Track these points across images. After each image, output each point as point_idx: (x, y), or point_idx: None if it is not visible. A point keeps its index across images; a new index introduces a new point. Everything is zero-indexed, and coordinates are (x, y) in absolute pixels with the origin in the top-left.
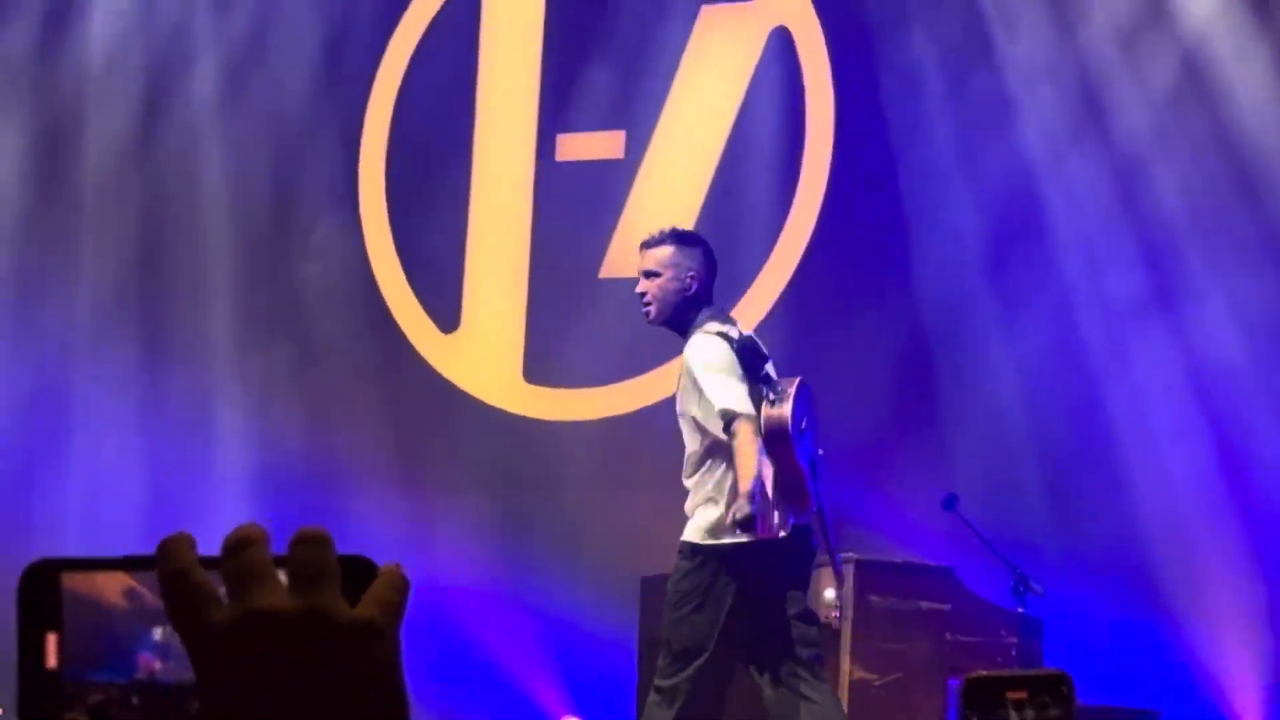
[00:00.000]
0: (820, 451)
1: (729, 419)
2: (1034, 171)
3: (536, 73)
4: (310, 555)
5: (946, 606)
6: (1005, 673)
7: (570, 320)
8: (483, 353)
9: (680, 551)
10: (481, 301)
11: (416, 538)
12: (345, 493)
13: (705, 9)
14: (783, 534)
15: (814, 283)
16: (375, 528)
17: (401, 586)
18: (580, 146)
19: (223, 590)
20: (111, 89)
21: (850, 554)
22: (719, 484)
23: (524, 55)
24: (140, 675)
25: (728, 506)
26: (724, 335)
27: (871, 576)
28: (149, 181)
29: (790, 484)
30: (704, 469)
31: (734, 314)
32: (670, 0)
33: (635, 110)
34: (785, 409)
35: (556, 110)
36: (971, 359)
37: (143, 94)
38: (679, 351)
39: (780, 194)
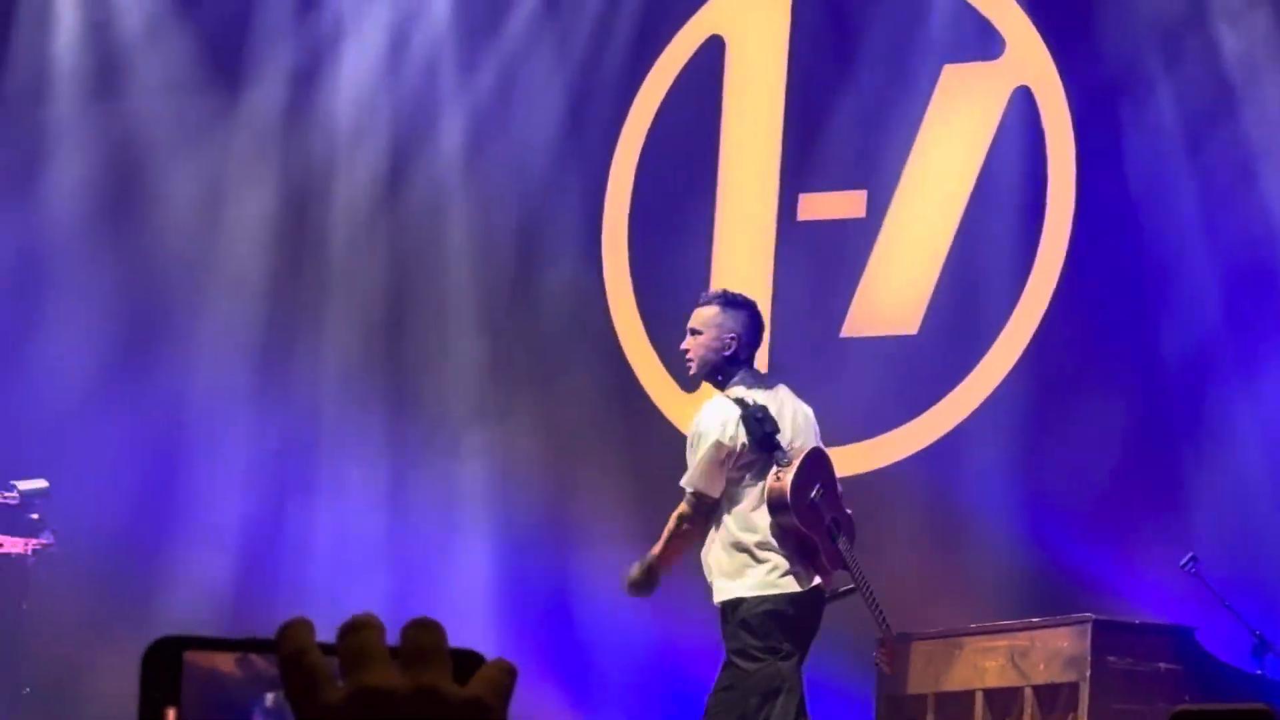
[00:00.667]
0: (848, 511)
1: (693, 496)
2: (1278, 232)
3: (779, 131)
4: (422, 638)
5: (1184, 668)
6: (1211, 706)
7: (813, 379)
8: None
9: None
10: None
11: (659, 598)
12: (585, 550)
13: (948, 68)
14: (783, 592)
15: (1055, 341)
16: (615, 587)
17: (510, 671)
18: (822, 206)
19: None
20: (358, 148)
21: (1088, 614)
22: (723, 543)
23: (766, 114)
24: None
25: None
26: (740, 401)
27: (1109, 637)
28: (395, 239)
29: (802, 547)
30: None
31: (977, 371)
32: (912, 59)
33: (877, 169)
34: (786, 480)
35: (798, 169)
36: (1213, 418)
37: (388, 152)
38: (923, 409)
39: (1022, 253)
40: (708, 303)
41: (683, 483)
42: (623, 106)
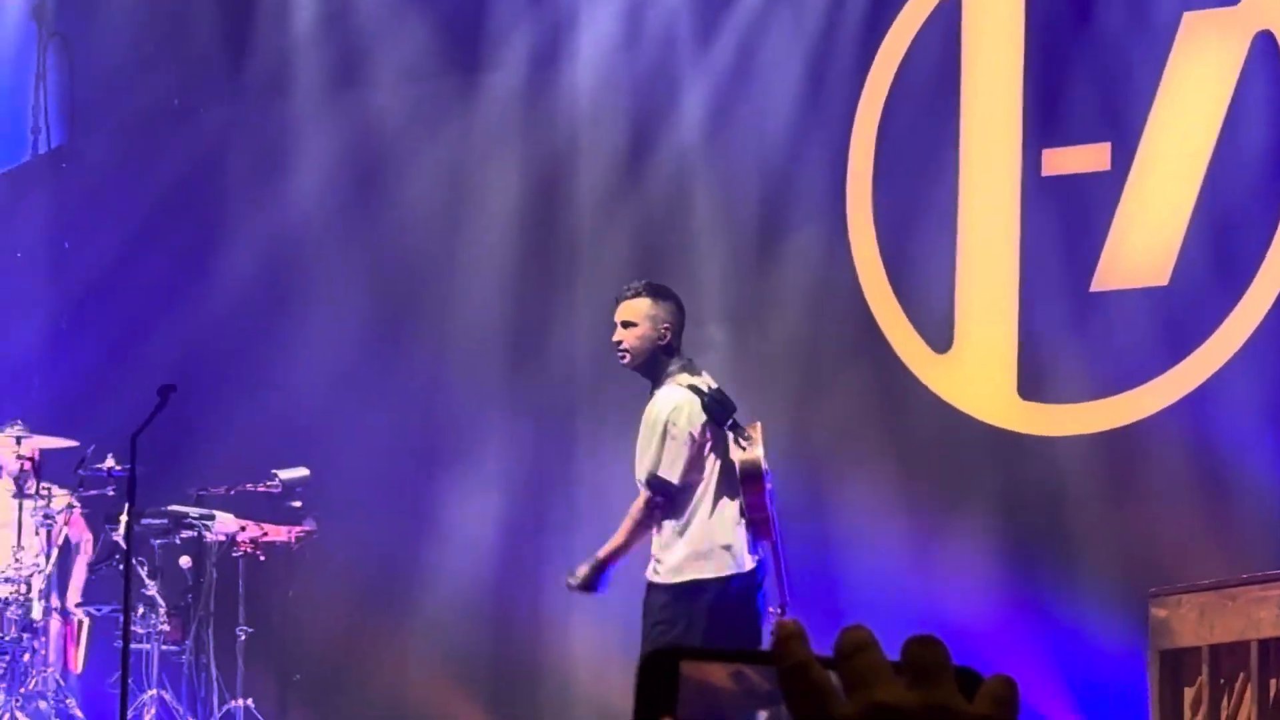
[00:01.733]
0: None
1: (650, 481)
2: None
3: (1019, 87)
4: (929, 654)
5: None
6: None
7: (1063, 335)
8: (977, 371)
9: (648, 589)
10: (973, 319)
11: (917, 558)
12: (842, 516)
13: (1188, 15)
14: (750, 565)
15: None
16: (874, 550)
17: (1014, 685)
18: (1066, 160)
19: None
20: (599, 126)
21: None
22: (680, 525)
23: (1006, 70)
24: None
25: (686, 544)
26: (694, 389)
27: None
28: (639, 216)
29: (758, 519)
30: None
31: (1232, 318)
32: (1151, 7)
33: (1120, 121)
34: (757, 452)
35: (1040, 124)
36: None
37: (629, 129)
38: (1174, 362)
39: (1269, 198)
40: (636, 294)
41: (643, 474)
42: (862, 69)
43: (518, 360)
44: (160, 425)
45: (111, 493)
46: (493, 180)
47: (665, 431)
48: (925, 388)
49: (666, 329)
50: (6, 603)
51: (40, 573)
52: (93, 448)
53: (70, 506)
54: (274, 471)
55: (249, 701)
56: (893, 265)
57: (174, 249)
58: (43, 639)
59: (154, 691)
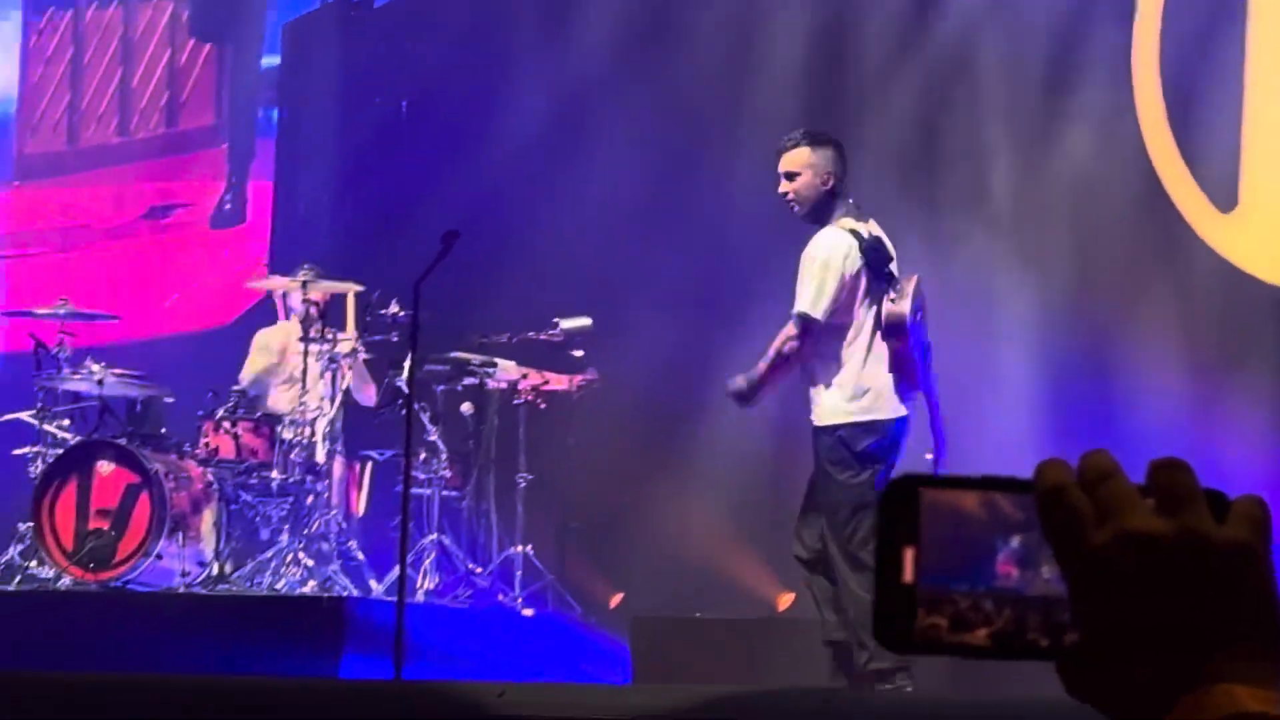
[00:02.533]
0: (928, 341)
1: (800, 318)
2: None
3: None
4: (1178, 479)
5: None
6: None
7: None
8: (1261, 230)
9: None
10: (1259, 178)
11: (1196, 418)
12: (1123, 376)
13: None
14: (902, 412)
15: None
16: (1153, 409)
17: (1265, 506)
18: None
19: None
20: None
21: None
22: (833, 368)
23: None
24: (999, 583)
25: (838, 388)
26: (854, 233)
27: None
28: (923, 74)
29: (906, 370)
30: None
31: None
32: None
33: None
34: (904, 305)
35: None
36: None
37: None
38: None
39: None
40: (795, 144)
41: (796, 308)
42: None
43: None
44: (444, 272)
45: (395, 338)
46: (776, 37)
47: (818, 269)
48: (1208, 248)
49: (829, 175)
50: (291, 445)
51: (324, 416)
52: (378, 293)
53: (354, 351)
54: (556, 320)
55: (528, 548)
56: (1178, 123)
57: (461, 95)
58: (326, 482)
59: (434, 536)
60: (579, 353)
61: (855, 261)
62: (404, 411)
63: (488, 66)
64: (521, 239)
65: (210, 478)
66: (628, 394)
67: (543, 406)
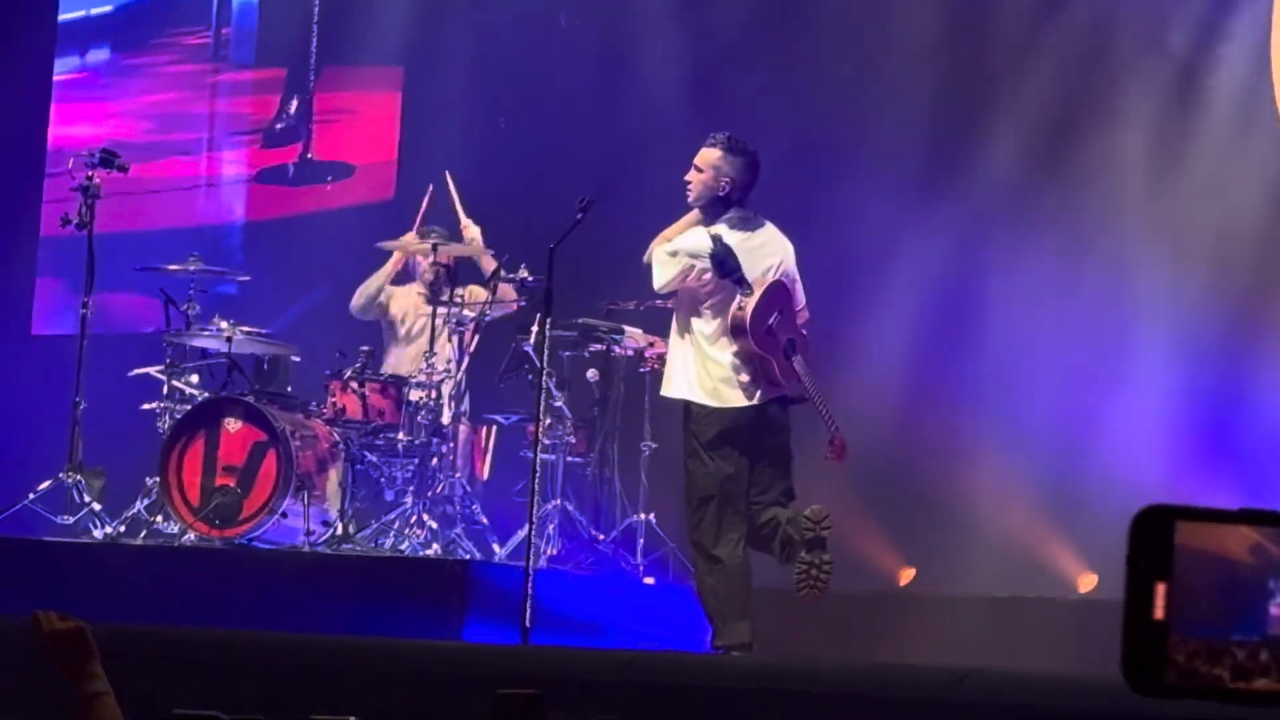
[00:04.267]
0: (804, 333)
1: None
2: None
3: None
4: None
5: None
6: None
7: None
8: None
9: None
10: None
11: None
12: (1257, 357)
13: None
14: (747, 402)
15: None
16: None
17: None
18: None
19: None
20: None
21: None
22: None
23: None
24: (1273, 632)
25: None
26: (715, 237)
27: None
28: (1062, 45)
29: (760, 368)
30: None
31: None
32: None
33: None
34: (748, 309)
35: None
36: None
37: None
38: None
39: None
40: (714, 145)
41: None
42: None
43: (930, 194)
44: (575, 237)
45: (523, 303)
46: (911, 12)
47: (668, 256)
48: None
49: (728, 182)
50: (417, 407)
51: (450, 378)
52: (506, 257)
53: (483, 315)
54: None
55: (651, 516)
56: None
57: (595, 61)
58: (451, 444)
59: (558, 502)
60: None
61: (705, 262)
62: (531, 377)
63: (623, 33)
64: (650, 205)
65: (336, 437)
66: None
67: None
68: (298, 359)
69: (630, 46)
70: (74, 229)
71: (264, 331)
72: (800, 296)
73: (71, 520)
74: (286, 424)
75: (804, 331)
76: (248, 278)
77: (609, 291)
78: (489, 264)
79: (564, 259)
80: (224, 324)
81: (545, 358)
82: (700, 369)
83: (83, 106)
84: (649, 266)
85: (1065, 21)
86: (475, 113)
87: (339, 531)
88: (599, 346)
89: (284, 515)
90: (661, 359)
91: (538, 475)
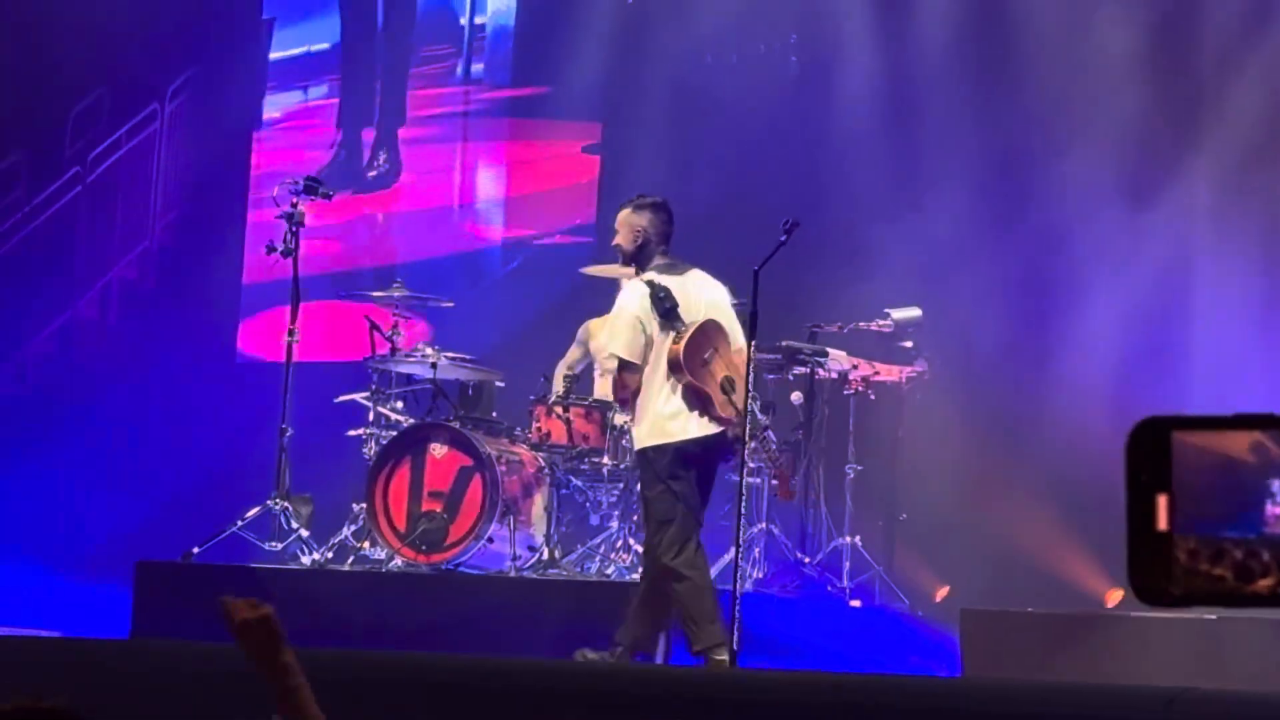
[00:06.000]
0: (742, 371)
1: (620, 361)
2: None
3: None
4: None
5: None
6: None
7: None
8: None
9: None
10: None
11: None
12: None
13: None
14: (698, 434)
15: None
16: None
17: None
18: None
19: None
20: None
21: None
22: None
23: None
24: (1270, 529)
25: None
26: (650, 282)
27: None
28: (1270, 60)
29: (698, 400)
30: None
31: None
32: None
33: None
34: (681, 345)
35: None
36: None
37: None
38: None
39: None
40: (622, 207)
41: (609, 351)
42: None
43: (1134, 211)
44: (779, 260)
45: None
46: (1112, 28)
47: (620, 316)
48: None
49: (640, 232)
50: (622, 431)
51: None
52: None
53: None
54: (887, 310)
55: (856, 539)
56: None
57: (797, 82)
58: None
59: (763, 525)
60: (909, 344)
61: (647, 308)
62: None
63: (824, 56)
64: (852, 228)
65: (541, 462)
66: (957, 386)
67: (872, 397)
68: (502, 384)
69: (831, 69)
70: (279, 256)
71: (469, 357)
72: (738, 335)
73: (279, 546)
74: (492, 449)
75: (741, 370)
76: (451, 304)
77: (812, 314)
78: None
79: (767, 281)
80: (429, 350)
81: (750, 380)
82: (652, 412)
83: (310, 134)
84: (605, 358)
85: (1271, 36)
86: (676, 137)
87: (545, 556)
88: (803, 369)
89: (490, 540)
90: (866, 382)
91: (744, 499)
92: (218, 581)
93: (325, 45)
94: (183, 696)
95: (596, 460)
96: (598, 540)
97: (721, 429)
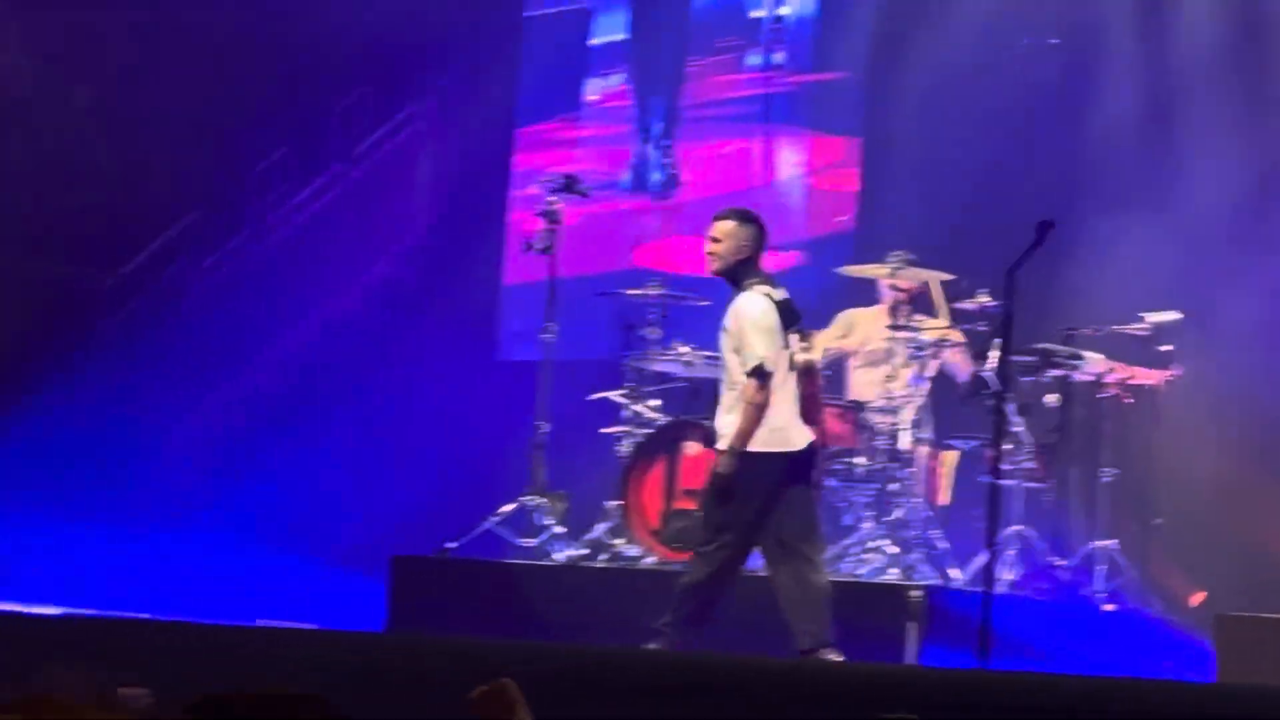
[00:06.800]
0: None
1: (754, 370)
2: None
3: None
4: None
5: None
6: None
7: None
8: None
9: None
10: None
11: None
12: None
13: None
14: (802, 445)
15: None
16: None
17: None
18: None
19: None
20: None
21: None
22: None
23: None
24: None
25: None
26: (767, 295)
27: None
28: None
29: (810, 411)
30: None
31: None
32: None
33: None
34: (816, 354)
35: None
36: None
37: None
38: None
39: None
40: (724, 218)
41: (748, 368)
42: None
43: None
44: (1033, 261)
45: (983, 327)
46: None
47: (752, 328)
48: None
49: (745, 246)
50: (876, 432)
51: (910, 403)
52: (965, 282)
53: (942, 341)
54: (1142, 314)
55: (1110, 543)
56: None
57: (1055, 88)
58: (910, 470)
59: (1017, 528)
60: (1167, 347)
61: (774, 318)
62: (989, 402)
63: (1083, 57)
64: (1109, 231)
65: None
66: (1215, 391)
67: (1128, 401)
68: None
69: (1091, 70)
70: (536, 253)
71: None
72: None
73: (534, 543)
74: None
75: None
76: (708, 302)
77: (1068, 317)
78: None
79: (1022, 283)
80: (684, 348)
81: (1005, 383)
82: (771, 419)
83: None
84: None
85: None
86: (930, 137)
87: None
88: (1058, 372)
89: None
90: (1122, 385)
91: (997, 501)
92: (472, 576)
93: (613, 38)
94: (436, 691)
95: (849, 460)
96: (850, 540)
97: (816, 441)
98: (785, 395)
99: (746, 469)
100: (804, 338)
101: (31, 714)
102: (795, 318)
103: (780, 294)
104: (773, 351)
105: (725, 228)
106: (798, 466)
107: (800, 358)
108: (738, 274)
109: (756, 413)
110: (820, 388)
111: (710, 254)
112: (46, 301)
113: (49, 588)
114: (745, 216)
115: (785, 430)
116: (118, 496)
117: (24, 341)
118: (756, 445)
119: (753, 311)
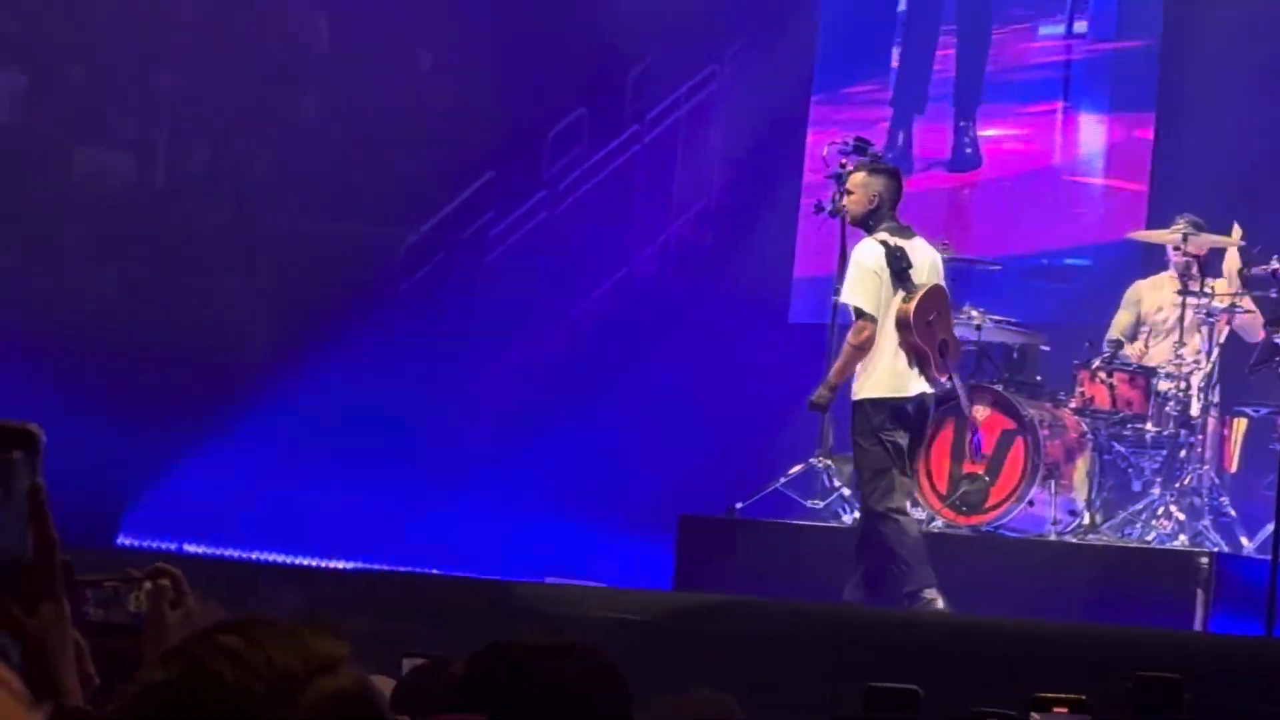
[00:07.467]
0: (955, 334)
1: (857, 312)
2: None
3: None
4: None
5: None
6: None
7: None
8: None
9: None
10: None
11: None
12: None
13: None
14: (912, 392)
15: None
16: None
17: None
18: None
19: None
20: None
21: None
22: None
23: None
24: None
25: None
26: (884, 242)
27: None
28: None
29: (918, 359)
30: None
31: None
32: None
33: None
34: (911, 305)
35: None
36: None
37: None
38: None
39: None
40: (858, 169)
41: (853, 306)
42: None
43: None
44: None
45: (1275, 294)
46: None
47: (861, 272)
48: None
49: (876, 197)
50: (1166, 398)
51: (1200, 370)
52: (1258, 248)
53: (1233, 306)
54: None
55: None
56: None
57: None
58: (1199, 436)
59: None
60: None
61: (884, 266)
62: None
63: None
64: None
65: (1084, 427)
66: None
67: None
68: (1047, 348)
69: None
70: (827, 215)
71: (1014, 321)
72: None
73: (821, 504)
74: (1035, 412)
75: (955, 334)
76: (999, 267)
77: None
78: (1233, 261)
79: None
80: (974, 312)
81: None
82: (877, 367)
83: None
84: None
85: None
86: (1227, 93)
87: (1085, 521)
88: None
89: (1031, 503)
90: None
91: None
92: (760, 536)
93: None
94: (722, 651)
95: (1139, 426)
96: (1139, 506)
97: (932, 390)
98: (892, 342)
99: (862, 417)
100: (906, 287)
101: (248, 635)
102: (905, 266)
103: (899, 240)
104: (875, 297)
105: (857, 179)
106: (908, 412)
107: (899, 306)
108: (869, 222)
109: (854, 353)
110: (919, 341)
111: (845, 205)
112: (345, 261)
113: (344, 544)
114: (875, 168)
115: (896, 377)
116: (413, 456)
117: (323, 301)
118: (863, 392)
119: (864, 257)
